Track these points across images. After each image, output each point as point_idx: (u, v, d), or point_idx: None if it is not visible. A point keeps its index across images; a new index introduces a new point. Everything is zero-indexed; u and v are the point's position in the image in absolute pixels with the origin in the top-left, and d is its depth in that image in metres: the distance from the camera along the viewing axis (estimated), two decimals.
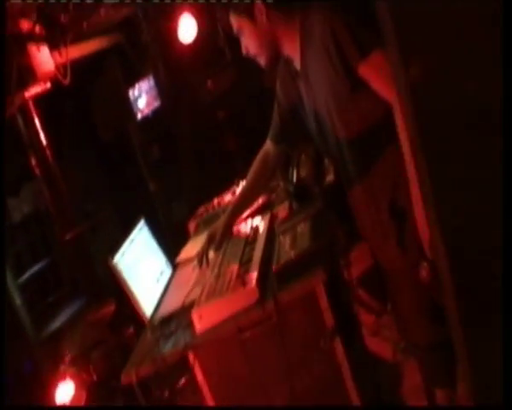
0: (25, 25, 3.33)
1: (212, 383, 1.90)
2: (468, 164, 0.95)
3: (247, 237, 2.16)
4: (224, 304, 1.84)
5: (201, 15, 4.18)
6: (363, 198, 1.87)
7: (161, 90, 4.90)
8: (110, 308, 3.94)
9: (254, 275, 1.84)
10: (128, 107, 4.85)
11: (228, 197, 2.85)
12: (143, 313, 2.22)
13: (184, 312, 2.04)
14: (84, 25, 3.83)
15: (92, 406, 2.20)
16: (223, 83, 4.68)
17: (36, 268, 5.14)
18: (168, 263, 2.67)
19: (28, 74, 3.49)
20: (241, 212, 2.30)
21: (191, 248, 2.71)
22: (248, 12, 1.83)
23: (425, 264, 1.59)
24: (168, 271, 2.63)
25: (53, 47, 3.74)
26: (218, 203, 2.85)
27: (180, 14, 4.18)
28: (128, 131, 4.96)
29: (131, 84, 4.88)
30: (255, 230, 2.17)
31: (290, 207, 1.97)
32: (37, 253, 5.33)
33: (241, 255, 2.02)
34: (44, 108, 4.21)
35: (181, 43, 4.30)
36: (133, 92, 4.86)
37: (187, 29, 4.20)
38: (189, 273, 2.41)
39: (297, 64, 1.92)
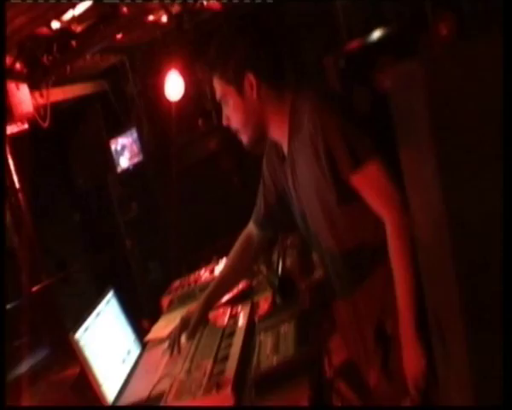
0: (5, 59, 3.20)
1: None
2: None
3: (225, 327, 1.96)
4: (195, 406, 1.66)
5: (189, 74, 4.10)
6: (347, 318, 1.70)
7: (144, 145, 4.74)
8: (75, 370, 3.71)
9: (230, 378, 1.64)
10: (108, 158, 4.70)
11: (205, 275, 2.66)
12: (104, 398, 1.99)
13: (150, 404, 1.83)
14: (67, 68, 3.71)
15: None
16: (208, 146, 4.57)
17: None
18: (137, 341, 2.43)
19: (4, 111, 3.34)
20: (219, 297, 2.11)
21: (162, 327, 2.49)
22: (237, 82, 1.66)
23: (408, 399, 1.45)
24: (136, 350, 2.38)
25: (33, 87, 3.60)
26: (195, 280, 2.66)
27: (168, 69, 4.09)
28: (107, 184, 4.79)
29: (113, 134, 4.73)
30: (234, 320, 1.98)
31: (273, 301, 1.80)
32: (6, 294, 5.06)
33: (217, 350, 1.81)
34: (20, 151, 4.04)
35: (167, 100, 4.21)
36: (115, 143, 4.70)
37: (174, 86, 4.10)
38: (159, 358, 2.17)
39: (284, 149, 1.75)
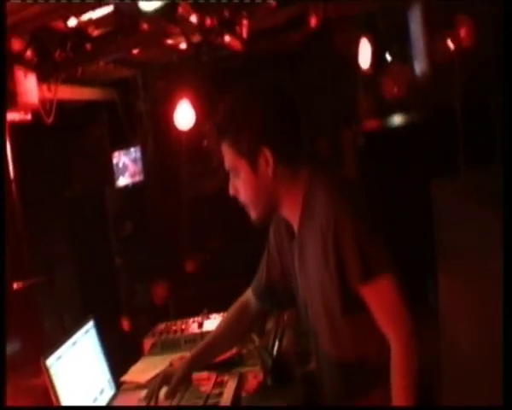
0: (16, 43, 3.07)
1: None
2: None
3: (208, 393, 1.85)
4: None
5: (201, 108, 4.05)
6: None
7: (146, 165, 4.63)
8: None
9: None
10: (109, 171, 4.58)
11: (193, 326, 2.52)
12: None
13: None
14: (78, 69, 3.64)
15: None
16: (211, 184, 4.51)
17: None
18: (111, 381, 2.27)
19: (8, 97, 3.23)
20: (207, 360, 1.96)
21: (140, 371, 2.36)
22: (251, 157, 1.52)
23: None
24: (109, 391, 2.23)
25: (42, 79, 3.49)
26: (181, 329, 2.52)
27: (180, 97, 3.99)
28: (104, 196, 4.67)
29: (117, 147, 4.59)
30: (219, 390, 1.86)
31: (264, 380, 1.69)
32: None
33: None
34: (19, 141, 3.94)
35: (175, 126, 4.14)
36: (118, 158, 4.56)
37: (184, 116, 4.00)
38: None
39: (294, 227, 1.63)
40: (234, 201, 1.64)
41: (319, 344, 1.60)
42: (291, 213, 1.61)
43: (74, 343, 2.12)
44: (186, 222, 4.58)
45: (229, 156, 1.58)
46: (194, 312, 2.67)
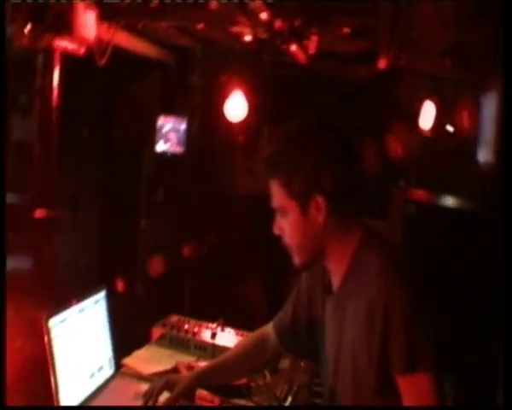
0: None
1: None
2: None
3: None
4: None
5: (252, 105, 3.98)
6: None
7: (189, 140, 4.51)
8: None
9: None
10: (151, 132, 4.46)
11: (205, 334, 2.47)
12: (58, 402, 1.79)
13: None
14: (140, 22, 3.58)
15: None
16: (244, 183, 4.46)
17: None
18: (112, 361, 2.22)
19: (64, 25, 3.16)
20: (214, 381, 1.91)
21: (143, 360, 2.34)
22: (302, 201, 1.43)
23: None
24: (109, 370, 2.19)
25: (101, 18, 3.43)
26: (193, 333, 2.45)
27: (234, 87, 3.95)
28: (141, 156, 4.57)
29: (163, 112, 4.49)
30: None
31: None
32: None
33: None
34: (67, 73, 3.90)
35: (224, 114, 4.07)
36: (163, 122, 4.46)
37: (235, 107, 3.97)
38: (130, 397, 2.01)
39: (333, 281, 1.55)
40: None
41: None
42: (334, 266, 1.54)
43: (82, 310, 2.05)
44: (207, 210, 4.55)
45: (277, 195, 1.49)
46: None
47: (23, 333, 3.14)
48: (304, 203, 1.44)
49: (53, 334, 1.83)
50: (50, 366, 1.81)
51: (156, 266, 4.40)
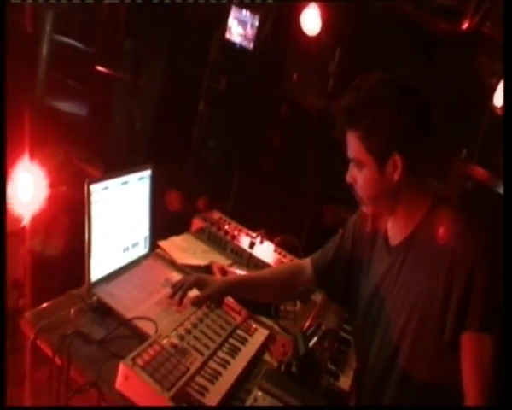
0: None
1: None
2: None
3: (235, 326, 1.78)
4: (189, 406, 1.39)
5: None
6: None
7: (258, 38, 4.32)
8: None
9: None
10: (224, 17, 4.31)
11: (244, 240, 2.42)
12: (87, 272, 1.81)
13: (127, 325, 1.67)
14: None
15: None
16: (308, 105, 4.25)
17: None
18: (147, 241, 2.19)
19: None
20: (245, 294, 1.91)
21: (180, 248, 2.33)
22: (380, 158, 1.44)
23: None
24: (143, 249, 2.17)
25: None
26: (233, 236, 2.41)
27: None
28: (210, 40, 4.44)
29: (239, 3, 4.33)
30: (245, 331, 1.80)
31: (288, 363, 1.61)
32: None
33: (215, 350, 1.61)
34: None
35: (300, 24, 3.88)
36: (237, 12, 4.29)
37: (310, 20, 3.83)
38: (159, 283, 2.01)
39: (392, 240, 1.57)
40: None
41: (380, 350, 1.57)
42: (401, 222, 1.55)
43: (125, 183, 2.01)
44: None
45: (354, 146, 1.50)
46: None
47: (68, 180, 3.16)
48: (381, 160, 1.46)
49: (93, 198, 1.81)
50: (86, 228, 1.79)
51: (209, 152, 4.36)
